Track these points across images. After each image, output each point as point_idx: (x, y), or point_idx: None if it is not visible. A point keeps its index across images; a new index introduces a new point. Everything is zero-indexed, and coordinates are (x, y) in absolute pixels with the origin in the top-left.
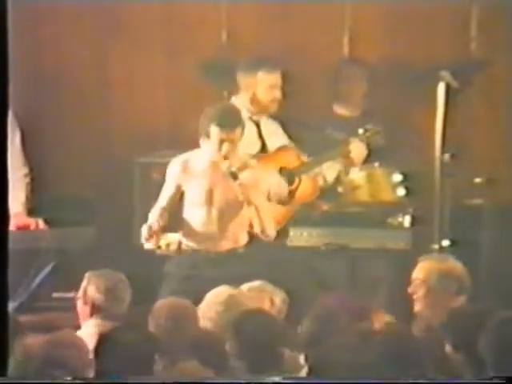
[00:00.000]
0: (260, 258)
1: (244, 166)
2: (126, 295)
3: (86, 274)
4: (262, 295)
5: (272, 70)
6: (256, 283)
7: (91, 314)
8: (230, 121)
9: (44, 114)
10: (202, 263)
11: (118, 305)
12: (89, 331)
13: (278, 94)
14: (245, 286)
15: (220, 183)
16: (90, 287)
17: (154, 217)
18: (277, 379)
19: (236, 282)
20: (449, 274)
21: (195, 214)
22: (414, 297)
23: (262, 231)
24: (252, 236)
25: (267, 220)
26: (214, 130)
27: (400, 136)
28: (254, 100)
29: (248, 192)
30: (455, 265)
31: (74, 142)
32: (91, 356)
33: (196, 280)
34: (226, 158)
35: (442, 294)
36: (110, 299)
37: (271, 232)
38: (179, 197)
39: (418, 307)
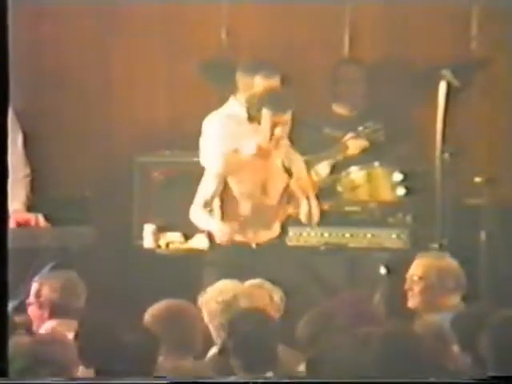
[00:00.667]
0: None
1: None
2: (81, 291)
3: (36, 278)
4: (261, 292)
5: (270, 74)
6: (256, 280)
7: (50, 315)
8: (282, 102)
9: (44, 113)
10: (243, 255)
11: (75, 301)
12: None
13: None
14: (246, 283)
15: (268, 172)
16: (44, 289)
17: (202, 210)
18: (275, 379)
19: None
20: (446, 271)
21: (243, 205)
22: (410, 293)
23: (309, 219)
24: None
25: (315, 206)
26: (266, 114)
27: (400, 135)
28: None
29: (303, 183)
30: (452, 262)
31: (75, 142)
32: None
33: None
34: (277, 144)
35: (439, 290)
36: (67, 297)
37: (317, 218)
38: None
39: (412, 303)
